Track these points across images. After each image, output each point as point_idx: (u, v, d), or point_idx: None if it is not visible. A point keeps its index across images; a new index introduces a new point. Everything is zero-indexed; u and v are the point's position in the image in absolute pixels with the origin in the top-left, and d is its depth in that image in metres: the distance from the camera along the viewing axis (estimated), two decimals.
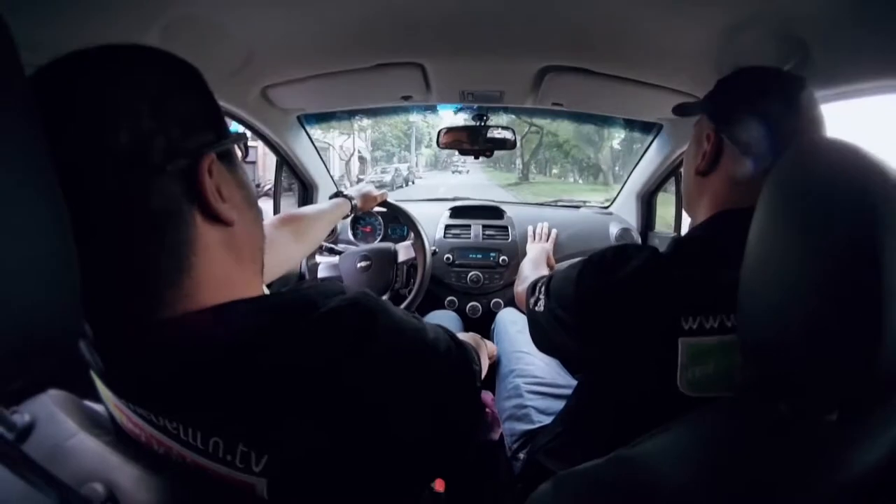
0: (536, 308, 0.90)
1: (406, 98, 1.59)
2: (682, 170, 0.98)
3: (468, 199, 2.33)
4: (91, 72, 0.44)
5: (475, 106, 1.77)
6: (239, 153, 0.56)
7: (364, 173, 22.40)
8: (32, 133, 0.34)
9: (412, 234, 1.73)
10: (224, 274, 0.50)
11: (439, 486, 1.23)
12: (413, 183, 22.15)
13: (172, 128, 0.46)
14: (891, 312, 0.41)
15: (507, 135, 1.75)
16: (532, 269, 1.45)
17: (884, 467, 0.49)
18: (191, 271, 0.47)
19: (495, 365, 1.53)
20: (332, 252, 1.83)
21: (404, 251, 1.72)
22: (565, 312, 0.81)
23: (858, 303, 0.42)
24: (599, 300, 0.74)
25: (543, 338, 0.90)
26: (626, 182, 2.19)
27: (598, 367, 0.81)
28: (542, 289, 0.90)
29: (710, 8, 0.93)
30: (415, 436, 0.52)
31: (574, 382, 0.95)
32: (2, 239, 0.31)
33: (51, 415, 0.52)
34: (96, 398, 0.56)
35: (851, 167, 0.45)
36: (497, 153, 1.75)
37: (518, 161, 30.19)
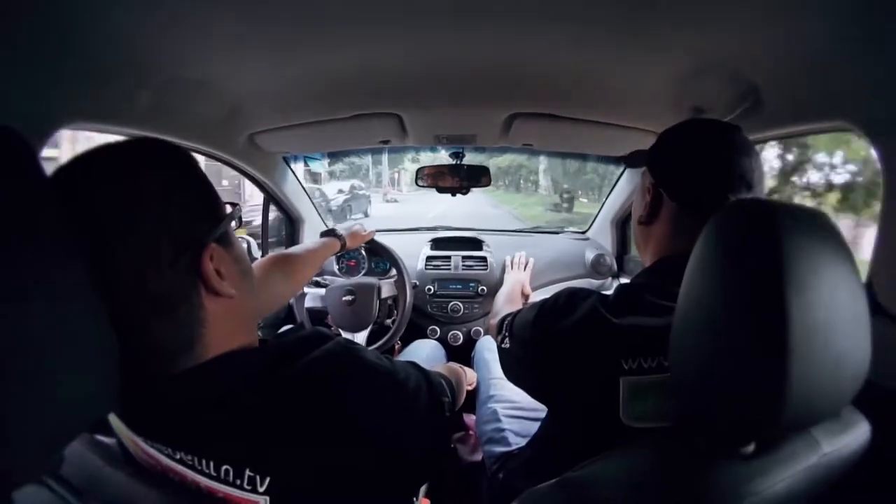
0: (503, 345, 0.97)
1: (384, 142, 1.68)
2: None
3: (448, 227, 2.42)
4: (101, 184, 0.51)
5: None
6: (234, 224, 0.64)
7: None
8: (79, 256, 0.42)
9: (395, 271, 1.81)
10: (227, 334, 0.58)
11: None
12: (366, 215, 15.13)
13: (176, 227, 0.53)
14: (795, 363, 0.47)
15: (482, 172, 1.84)
16: (504, 303, 1.51)
17: (797, 495, 0.56)
18: (201, 340, 0.55)
19: (476, 390, 1.60)
20: (317, 285, 1.90)
21: (388, 288, 1.79)
22: (523, 352, 0.89)
23: (769, 351, 0.49)
24: (550, 343, 0.82)
25: (510, 372, 0.98)
26: (601, 209, 2.28)
27: (556, 400, 0.88)
28: (507, 328, 0.97)
29: (668, 57, 1.01)
30: (390, 460, 0.61)
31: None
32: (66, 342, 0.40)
33: (76, 452, 0.59)
34: (103, 432, 0.63)
35: (769, 231, 0.51)
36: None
37: (543, 178, 21.71)
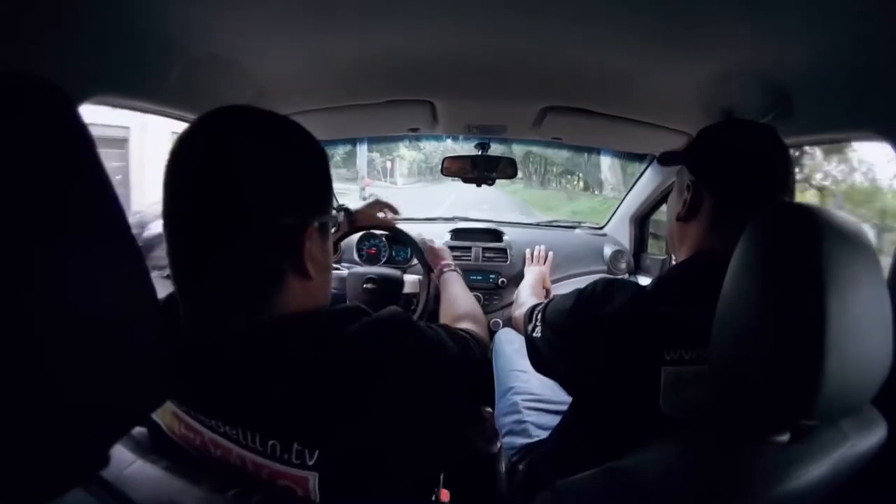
0: (534, 334, 0.97)
1: (413, 130, 1.68)
2: (665, 214, 1.05)
3: (468, 218, 2.42)
4: (254, 133, 0.57)
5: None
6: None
7: None
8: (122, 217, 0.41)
9: (417, 260, 1.79)
10: (293, 305, 0.59)
11: (444, 496, 1.31)
12: None
13: (298, 196, 0.59)
14: (831, 357, 0.50)
15: (508, 163, 1.84)
16: (529, 294, 1.51)
17: (826, 483, 0.59)
18: (270, 308, 0.57)
19: (495, 382, 1.61)
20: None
21: (411, 284, 1.75)
22: (559, 341, 0.90)
23: (806, 347, 0.51)
24: (590, 332, 0.83)
25: (540, 361, 0.97)
26: (619, 205, 2.28)
27: (590, 389, 0.88)
28: (539, 316, 0.97)
29: (701, 58, 1.02)
30: (438, 428, 0.64)
31: (569, 399, 1.03)
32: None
33: None
34: None
35: (812, 234, 0.54)
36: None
37: (610, 174, 11.99)
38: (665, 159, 1.03)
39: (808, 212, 0.56)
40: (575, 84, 1.27)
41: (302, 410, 0.54)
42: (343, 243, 1.94)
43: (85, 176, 0.38)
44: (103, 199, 0.39)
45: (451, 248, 2.04)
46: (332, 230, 0.68)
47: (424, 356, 0.64)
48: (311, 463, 0.53)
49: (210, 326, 0.57)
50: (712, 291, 0.62)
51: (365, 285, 1.72)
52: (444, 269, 1.33)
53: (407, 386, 0.59)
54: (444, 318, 1.10)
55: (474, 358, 0.77)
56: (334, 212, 0.66)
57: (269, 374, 0.55)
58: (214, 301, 0.56)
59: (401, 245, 2.03)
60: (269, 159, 0.57)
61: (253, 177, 0.55)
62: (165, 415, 0.61)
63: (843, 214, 0.57)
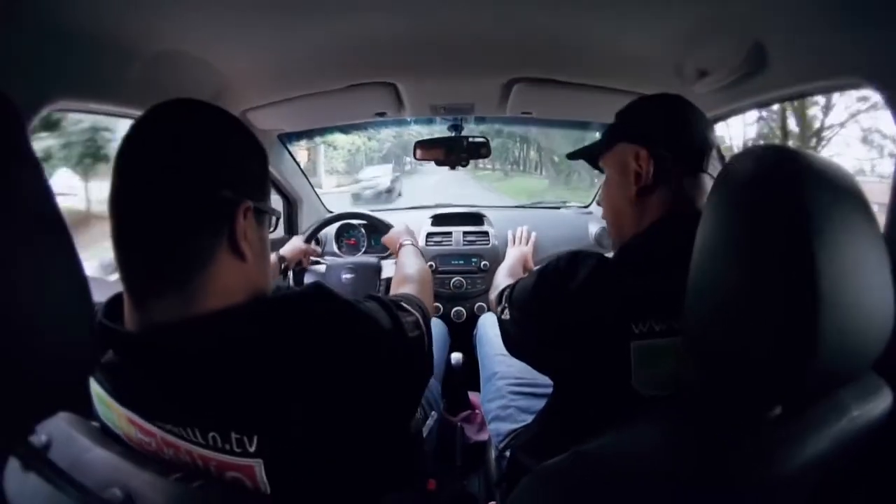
0: (503, 316, 0.94)
1: (380, 114, 1.64)
2: (603, 202, 0.98)
3: (449, 204, 2.38)
4: (202, 117, 0.61)
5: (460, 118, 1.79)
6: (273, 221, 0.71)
7: None
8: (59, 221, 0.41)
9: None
10: (223, 293, 0.58)
11: (431, 485, 1.29)
12: None
13: (236, 176, 0.60)
14: (825, 316, 0.45)
15: (483, 143, 1.79)
16: (505, 276, 1.46)
17: (825, 460, 0.54)
18: (200, 285, 0.57)
19: (480, 368, 1.59)
20: (317, 264, 1.87)
21: (389, 267, 1.76)
22: (526, 320, 0.86)
23: (796, 307, 0.46)
24: (554, 309, 0.79)
25: (512, 344, 0.95)
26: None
27: (561, 369, 0.85)
28: (507, 298, 0.94)
29: (671, 15, 0.98)
30: (373, 402, 0.62)
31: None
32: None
33: (65, 434, 0.57)
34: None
35: (789, 177, 0.49)
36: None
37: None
38: (576, 155, 1.05)
39: (789, 154, 0.51)
40: (541, 53, 1.22)
41: (231, 398, 0.53)
42: (322, 235, 1.94)
43: (20, 174, 0.39)
44: (37, 196, 0.40)
45: (432, 234, 2.04)
46: (270, 227, 0.69)
47: (344, 327, 0.62)
48: (252, 450, 0.52)
49: (148, 312, 0.56)
50: (681, 256, 0.58)
51: (344, 275, 1.71)
52: (403, 245, 1.38)
53: (328, 359, 0.58)
54: (393, 282, 1.14)
55: (407, 333, 0.74)
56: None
57: (196, 369, 0.54)
58: (154, 277, 0.56)
59: (379, 234, 2.01)
60: (216, 139, 0.60)
61: (199, 152, 0.57)
62: (121, 422, 0.59)
63: (828, 158, 0.52)
